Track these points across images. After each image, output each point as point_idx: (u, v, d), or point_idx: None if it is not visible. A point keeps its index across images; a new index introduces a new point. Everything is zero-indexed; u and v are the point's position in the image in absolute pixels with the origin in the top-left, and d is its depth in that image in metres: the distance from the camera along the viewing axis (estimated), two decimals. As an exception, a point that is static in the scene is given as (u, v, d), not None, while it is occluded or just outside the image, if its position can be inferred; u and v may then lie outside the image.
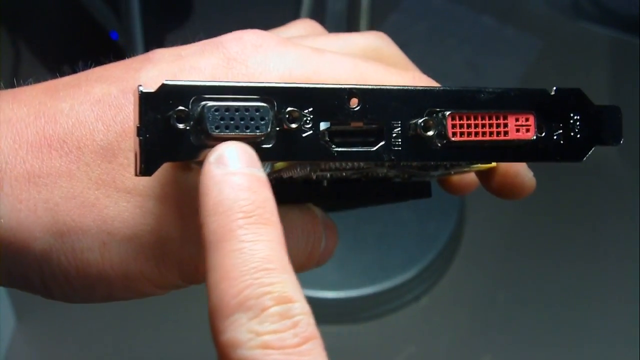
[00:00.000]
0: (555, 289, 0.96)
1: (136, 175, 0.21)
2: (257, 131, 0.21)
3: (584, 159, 0.23)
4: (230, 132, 0.21)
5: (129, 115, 0.24)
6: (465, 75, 1.18)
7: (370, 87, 0.22)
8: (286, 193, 0.26)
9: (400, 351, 0.89)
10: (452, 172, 0.29)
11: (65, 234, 0.24)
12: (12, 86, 0.26)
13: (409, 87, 0.22)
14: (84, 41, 1.11)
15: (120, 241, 0.25)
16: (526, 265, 0.98)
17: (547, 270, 0.98)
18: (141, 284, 0.26)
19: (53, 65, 1.04)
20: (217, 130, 0.20)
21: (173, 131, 0.21)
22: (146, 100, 0.20)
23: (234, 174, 0.21)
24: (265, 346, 0.19)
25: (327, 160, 0.21)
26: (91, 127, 0.24)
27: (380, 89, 0.22)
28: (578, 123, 0.23)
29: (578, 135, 0.23)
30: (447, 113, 0.22)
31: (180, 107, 0.20)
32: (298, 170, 0.24)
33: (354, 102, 0.22)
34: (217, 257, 0.20)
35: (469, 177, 0.32)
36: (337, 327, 0.91)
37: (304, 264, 0.28)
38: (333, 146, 0.21)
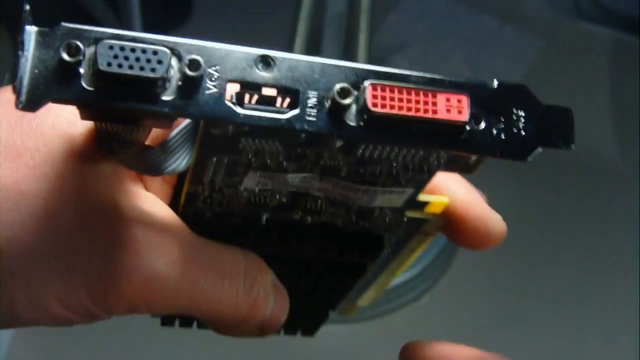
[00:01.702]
0: (555, 288, 0.96)
1: (17, 107, 0.19)
2: (152, 73, 0.19)
3: (529, 159, 0.21)
4: (122, 70, 0.19)
5: (36, 115, 0.23)
6: (465, 75, 1.18)
7: (287, 55, 0.21)
8: (223, 232, 0.25)
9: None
10: (405, 218, 0.26)
11: None
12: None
13: (332, 62, 0.21)
14: (84, 41, 1.11)
15: (21, 249, 0.22)
16: (526, 265, 0.98)
17: (547, 269, 0.98)
18: (47, 301, 0.23)
19: (53, 65, 1.04)
20: (108, 67, 0.19)
21: (61, 64, 0.19)
22: (38, 35, 0.20)
23: None
24: None
25: (231, 121, 0.20)
26: None
27: (299, 59, 0.21)
28: (522, 120, 0.21)
29: (522, 132, 0.21)
30: (368, 82, 0.20)
31: (72, 40, 0.19)
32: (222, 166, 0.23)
33: (268, 68, 0.20)
34: None
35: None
36: (337, 327, 0.91)
37: (245, 315, 0.25)
38: (238, 107, 0.20)
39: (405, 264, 0.30)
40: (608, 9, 1.23)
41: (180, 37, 0.20)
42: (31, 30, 0.20)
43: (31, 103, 0.19)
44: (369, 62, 1.04)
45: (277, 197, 0.25)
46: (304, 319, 0.33)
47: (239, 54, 0.20)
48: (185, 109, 0.20)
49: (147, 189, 0.25)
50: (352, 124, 0.20)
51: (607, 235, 1.02)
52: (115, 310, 0.23)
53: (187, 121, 0.23)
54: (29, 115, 0.23)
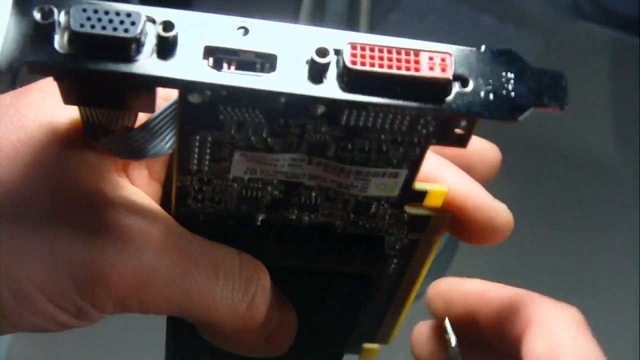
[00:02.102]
0: (555, 288, 0.96)
1: None
2: (125, 33, 0.19)
3: (520, 119, 0.20)
4: (95, 31, 0.19)
5: (17, 110, 0.23)
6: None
7: (265, 22, 0.21)
8: (217, 235, 0.24)
9: (400, 351, 0.89)
10: (406, 216, 0.25)
11: None
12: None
13: (310, 27, 0.21)
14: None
15: (1, 236, 0.22)
16: (526, 264, 0.98)
17: (547, 269, 0.98)
18: (32, 294, 0.22)
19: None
20: (81, 28, 0.19)
21: (35, 28, 0.19)
22: (15, 3, 0.19)
23: None
24: None
25: (207, 85, 0.20)
26: None
27: (276, 25, 0.21)
28: (512, 82, 0.21)
29: (512, 94, 0.20)
30: (348, 41, 0.20)
31: (45, 4, 0.19)
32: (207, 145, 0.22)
33: (245, 34, 0.20)
34: None
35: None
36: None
37: (243, 316, 0.25)
38: (215, 71, 0.20)
39: (416, 283, 0.29)
40: (608, 8, 1.23)
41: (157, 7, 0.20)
42: None
43: (4, 64, 0.19)
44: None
45: (269, 189, 0.24)
46: (318, 355, 0.31)
47: (217, 20, 0.20)
48: (161, 71, 0.20)
49: (133, 184, 0.24)
50: (331, 85, 0.20)
51: (607, 235, 1.02)
52: (105, 304, 0.23)
53: (169, 102, 0.23)
54: (10, 110, 0.23)
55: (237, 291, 0.24)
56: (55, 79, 0.20)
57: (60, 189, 0.22)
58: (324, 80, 0.20)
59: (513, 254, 0.99)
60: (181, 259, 0.23)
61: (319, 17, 0.96)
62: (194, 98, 0.20)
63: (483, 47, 0.21)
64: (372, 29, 0.97)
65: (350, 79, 0.20)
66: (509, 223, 0.25)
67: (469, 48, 0.21)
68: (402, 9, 1.25)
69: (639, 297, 0.93)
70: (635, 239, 0.98)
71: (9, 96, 0.24)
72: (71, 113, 0.23)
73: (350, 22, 0.95)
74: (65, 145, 0.23)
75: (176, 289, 0.23)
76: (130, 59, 0.19)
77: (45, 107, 0.23)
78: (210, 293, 0.24)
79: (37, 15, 0.19)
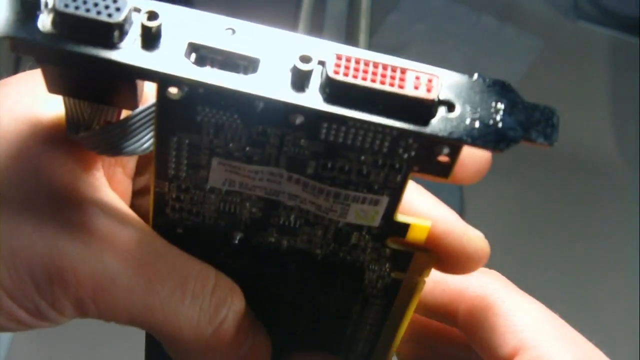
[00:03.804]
0: (555, 289, 0.97)
1: None
2: (109, 18, 0.19)
3: (504, 150, 0.20)
4: (79, 12, 0.19)
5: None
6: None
7: (251, 24, 0.20)
8: (194, 247, 0.24)
9: (400, 351, 0.89)
10: (387, 250, 0.24)
11: None
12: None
13: (298, 35, 0.20)
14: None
15: None
16: (525, 266, 0.98)
17: (546, 270, 0.98)
18: None
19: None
20: (65, 8, 0.19)
21: (20, 4, 0.19)
22: None
23: None
24: None
25: (186, 79, 0.19)
26: None
27: (266, 28, 0.20)
28: (501, 112, 0.20)
29: (499, 124, 0.20)
30: (334, 52, 0.19)
31: None
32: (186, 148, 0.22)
33: (231, 35, 0.20)
34: None
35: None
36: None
37: (208, 339, 0.23)
38: (196, 67, 0.19)
39: (399, 329, 0.27)
40: (608, 9, 1.23)
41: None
42: None
43: None
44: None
45: (248, 206, 0.23)
46: None
47: (206, 18, 0.20)
48: (140, 61, 0.19)
49: (112, 188, 0.24)
50: (313, 95, 0.19)
51: (607, 235, 1.02)
52: (63, 305, 0.22)
53: (150, 102, 0.22)
54: None
55: (205, 313, 0.23)
56: (38, 61, 0.20)
57: (28, 184, 0.22)
58: (306, 89, 0.19)
59: (512, 255, 0.99)
60: (146, 270, 0.22)
61: (319, 18, 0.96)
62: (172, 93, 0.20)
63: (475, 75, 0.20)
64: (372, 29, 0.97)
65: (331, 90, 0.19)
66: (483, 250, 0.24)
67: (460, 74, 0.20)
68: (402, 9, 1.25)
69: (639, 297, 0.93)
70: (636, 239, 0.98)
71: None
72: (50, 109, 0.23)
73: (350, 22, 0.95)
74: (40, 141, 0.22)
75: (137, 301, 0.22)
76: (111, 45, 0.19)
77: (23, 100, 0.23)
78: (174, 311, 0.23)
79: None
